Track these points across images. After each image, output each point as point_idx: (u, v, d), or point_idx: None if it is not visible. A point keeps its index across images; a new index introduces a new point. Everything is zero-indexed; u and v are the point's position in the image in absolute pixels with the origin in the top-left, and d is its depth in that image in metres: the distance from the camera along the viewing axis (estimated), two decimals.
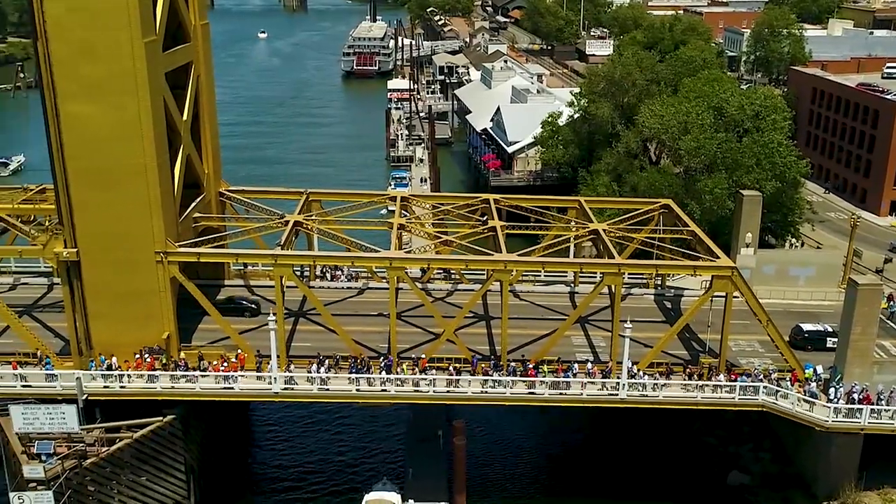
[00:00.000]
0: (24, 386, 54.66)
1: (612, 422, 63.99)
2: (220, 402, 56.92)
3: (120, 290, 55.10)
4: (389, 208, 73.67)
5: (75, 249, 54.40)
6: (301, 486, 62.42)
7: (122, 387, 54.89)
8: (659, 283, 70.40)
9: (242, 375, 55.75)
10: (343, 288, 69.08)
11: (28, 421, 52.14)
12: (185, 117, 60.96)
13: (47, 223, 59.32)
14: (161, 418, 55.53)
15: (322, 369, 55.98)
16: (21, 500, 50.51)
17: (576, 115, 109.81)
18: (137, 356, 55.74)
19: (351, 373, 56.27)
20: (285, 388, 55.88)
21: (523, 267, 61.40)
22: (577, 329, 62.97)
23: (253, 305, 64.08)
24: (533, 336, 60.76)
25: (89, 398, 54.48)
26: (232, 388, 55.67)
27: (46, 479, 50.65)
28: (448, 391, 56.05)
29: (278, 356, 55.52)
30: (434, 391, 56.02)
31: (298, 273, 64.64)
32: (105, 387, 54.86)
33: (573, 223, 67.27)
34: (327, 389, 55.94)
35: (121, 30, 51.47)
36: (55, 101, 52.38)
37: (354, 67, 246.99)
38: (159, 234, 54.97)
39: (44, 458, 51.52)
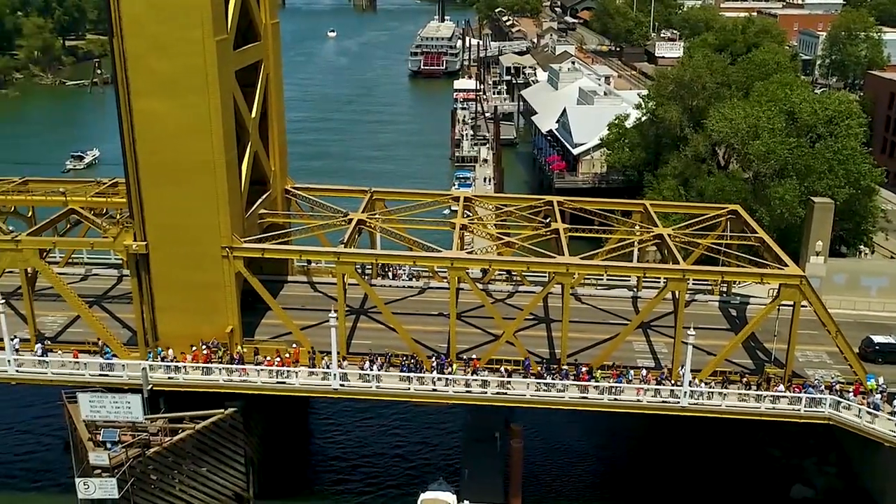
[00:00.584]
0: (91, 375, 56.09)
1: (673, 429, 62.97)
2: (280, 395, 57.61)
3: (186, 284, 56.17)
4: (452, 208, 73.72)
5: (144, 243, 55.68)
6: (358, 481, 62.96)
7: (185, 378, 55.99)
8: (724, 289, 69.11)
9: (296, 371, 56.35)
10: (404, 287, 69.35)
11: (95, 409, 53.49)
12: (253, 115, 61.85)
13: (118, 216, 60.72)
14: (223, 411, 56.46)
15: (374, 367, 56.31)
16: (86, 486, 51.84)
17: (643, 118, 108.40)
18: (194, 348, 56.71)
19: (402, 371, 56.50)
20: (343, 385, 56.29)
21: (585, 270, 60.81)
22: (639, 335, 62.17)
23: None
24: (594, 340, 60.18)
25: (154, 388, 55.66)
26: (293, 384, 56.36)
27: (111, 466, 51.88)
28: (499, 393, 55.88)
29: (338, 353, 55.93)
30: (485, 392, 55.87)
31: (360, 271, 65.05)
32: (169, 378, 56.03)
33: (638, 227, 66.43)
34: (384, 387, 56.29)
35: (193, 28, 52.44)
36: (129, 97, 53.64)
37: (421, 67, 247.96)
38: (225, 229, 55.86)
39: (109, 445, 52.77)
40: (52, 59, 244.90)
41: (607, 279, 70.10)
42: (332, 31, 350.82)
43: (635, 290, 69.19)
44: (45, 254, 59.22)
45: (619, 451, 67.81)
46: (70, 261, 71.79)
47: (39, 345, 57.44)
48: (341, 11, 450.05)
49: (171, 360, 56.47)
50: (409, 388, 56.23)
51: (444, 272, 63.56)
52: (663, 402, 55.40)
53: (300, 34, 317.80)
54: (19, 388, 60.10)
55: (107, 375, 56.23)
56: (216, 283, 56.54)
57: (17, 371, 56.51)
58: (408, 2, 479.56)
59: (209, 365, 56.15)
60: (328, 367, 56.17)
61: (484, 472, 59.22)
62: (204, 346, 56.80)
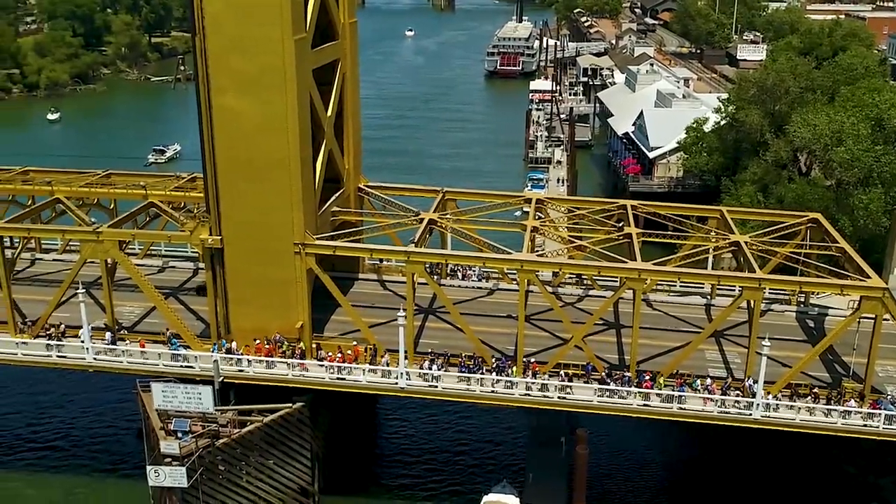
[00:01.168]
0: (165, 365, 57.44)
1: (743, 441, 61.51)
2: (347, 392, 58.04)
3: (259, 279, 56.95)
4: (524, 210, 73.34)
5: (220, 237, 56.60)
6: (422, 479, 63.30)
7: (255, 372, 56.84)
8: (802, 300, 67.25)
9: (362, 368, 56.71)
10: (473, 287, 69.24)
11: (167, 399, 54.56)
12: (329, 113, 62.40)
13: (196, 211, 61.90)
14: (290, 405, 57.14)
15: (434, 367, 56.37)
16: (157, 474, 52.92)
17: (722, 122, 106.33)
18: (257, 342, 57.51)
19: (460, 371, 56.44)
20: (409, 384, 56.50)
21: (658, 276, 59.79)
22: (712, 343, 60.91)
23: None
24: (664, 348, 59.15)
25: (224, 380, 56.61)
26: (359, 381, 56.78)
27: (181, 455, 52.81)
28: (562, 397, 55.43)
29: (405, 351, 56.14)
30: (549, 397, 55.49)
31: (430, 271, 65.13)
32: (240, 371, 56.96)
33: (713, 233, 65.06)
34: (449, 388, 56.30)
35: (273, 26, 53.09)
36: (209, 94, 54.56)
37: (498, 67, 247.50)
38: (299, 226, 56.48)
39: (180, 435, 53.79)
40: (138, 56, 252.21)
41: (680, 286, 68.87)
42: (410, 30, 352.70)
43: (709, 297, 67.86)
44: (124, 245, 60.74)
45: (686, 460, 66.61)
46: (148, 253, 73.59)
47: (109, 334, 59.03)
48: (420, 11, 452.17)
49: (235, 353, 57.36)
50: (474, 390, 56.15)
51: (514, 274, 63.19)
52: (728, 412, 54.16)
53: (379, 33, 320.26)
54: (96, 373, 61.73)
55: (181, 366, 57.48)
56: (288, 278, 57.18)
57: (94, 359, 58.20)
58: (486, 2, 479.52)
59: (273, 359, 56.85)
60: (387, 365, 56.55)
61: (548, 476, 58.76)
62: (266, 340, 57.51)
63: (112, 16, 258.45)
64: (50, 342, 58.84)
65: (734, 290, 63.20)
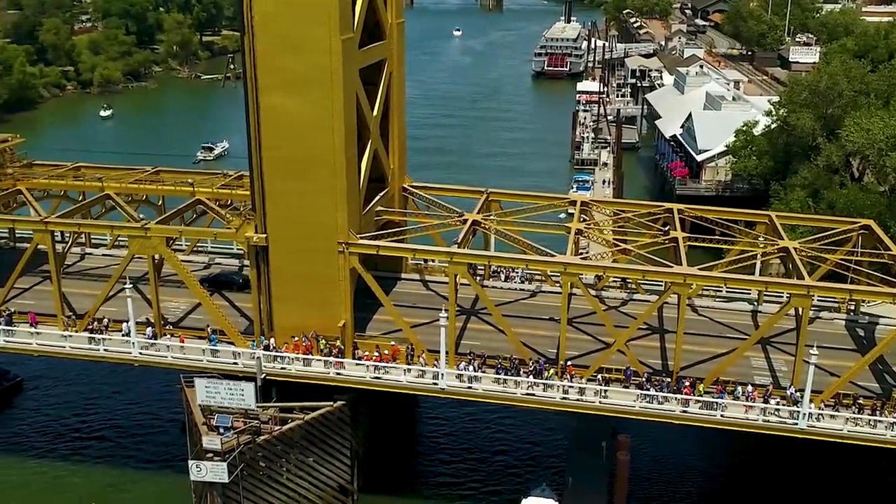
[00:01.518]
0: (209, 361, 58.06)
1: (788, 449, 60.40)
2: (388, 391, 58.11)
3: (302, 277, 57.18)
4: (569, 211, 72.84)
5: (265, 235, 56.99)
6: (460, 479, 63.24)
7: (297, 370, 57.16)
8: (852, 308, 65.88)
9: (405, 368, 56.75)
10: (516, 289, 68.93)
11: (210, 394, 55.05)
12: (375, 113, 62.53)
13: (242, 208, 62.45)
14: (331, 403, 57.35)
15: (471, 368, 56.23)
16: (199, 469, 53.45)
17: (773, 125, 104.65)
18: (295, 339, 57.82)
19: (497, 373, 56.23)
20: (450, 385, 56.42)
21: (703, 281, 58.98)
22: (758, 350, 59.93)
23: (240, 280, 66.58)
24: (709, 354, 58.32)
25: (267, 377, 57.01)
26: (400, 381, 56.82)
27: (222, 451, 53.21)
28: (604, 401, 54.99)
29: (446, 352, 56.03)
30: (592, 402, 55.13)
31: (472, 272, 64.91)
32: (282, 368, 57.34)
33: (761, 239, 64.04)
34: (490, 390, 56.09)
35: (321, 26, 53.28)
36: (256, 92, 54.93)
37: (545, 68, 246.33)
38: (343, 225, 56.65)
39: (222, 430, 54.21)
40: (189, 54, 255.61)
41: (726, 291, 67.89)
42: (458, 30, 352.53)
43: (756, 304, 66.78)
44: (171, 242, 61.49)
45: (730, 469, 65.59)
46: (194, 249, 74.44)
47: (150, 329, 59.85)
48: (468, 11, 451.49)
49: (273, 349, 57.82)
50: (514, 392, 55.89)
51: (557, 276, 62.79)
52: (770, 421, 53.35)
53: (426, 33, 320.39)
54: (142, 367, 62.60)
55: (227, 362, 58.02)
56: (331, 277, 57.40)
57: (139, 353, 59.07)
58: (535, 2, 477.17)
59: (311, 357, 57.14)
60: (423, 365, 56.57)
61: (588, 482, 58.23)
62: (304, 338, 57.82)
63: (164, 14, 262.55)
64: (94, 336, 59.74)
65: (782, 297, 62.11)
